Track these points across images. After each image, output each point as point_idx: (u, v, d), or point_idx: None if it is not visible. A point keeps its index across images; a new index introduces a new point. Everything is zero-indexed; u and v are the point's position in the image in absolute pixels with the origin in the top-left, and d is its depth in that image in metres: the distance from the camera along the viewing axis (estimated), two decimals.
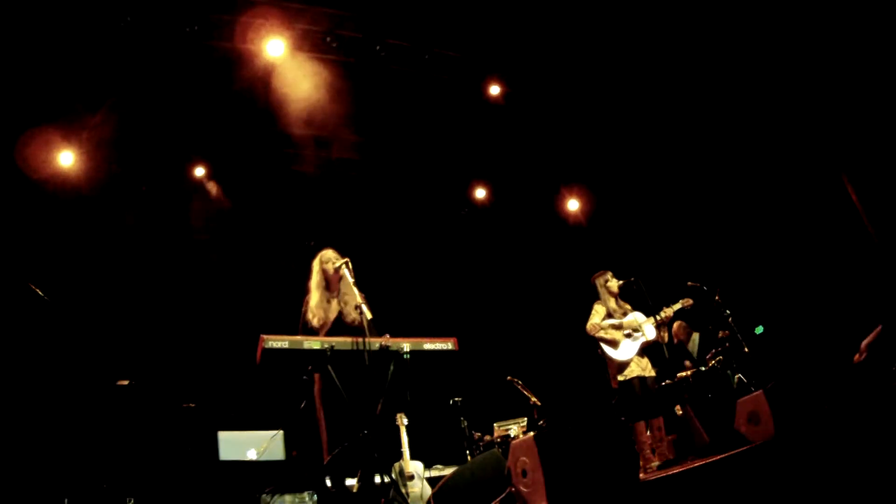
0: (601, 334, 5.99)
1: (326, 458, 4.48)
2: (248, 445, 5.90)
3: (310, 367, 4.56)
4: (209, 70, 7.01)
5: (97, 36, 6.33)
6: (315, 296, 4.85)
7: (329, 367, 4.35)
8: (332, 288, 4.87)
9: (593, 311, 6.14)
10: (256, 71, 7.11)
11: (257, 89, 7.29)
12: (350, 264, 4.80)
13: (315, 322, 4.75)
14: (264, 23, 6.72)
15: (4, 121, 6.67)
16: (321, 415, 4.59)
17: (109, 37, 6.38)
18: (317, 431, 4.62)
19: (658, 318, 5.94)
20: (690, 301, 6.16)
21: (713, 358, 6.92)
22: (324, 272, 4.90)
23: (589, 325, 6.06)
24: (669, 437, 5.95)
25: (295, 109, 7.47)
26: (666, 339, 6.03)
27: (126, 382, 5.61)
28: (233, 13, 6.61)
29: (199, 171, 8.13)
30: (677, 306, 6.12)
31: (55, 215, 7.30)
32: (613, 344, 5.97)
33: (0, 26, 5.97)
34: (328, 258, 4.93)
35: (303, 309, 4.86)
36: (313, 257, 5.02)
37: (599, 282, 6.24)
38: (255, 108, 7.52)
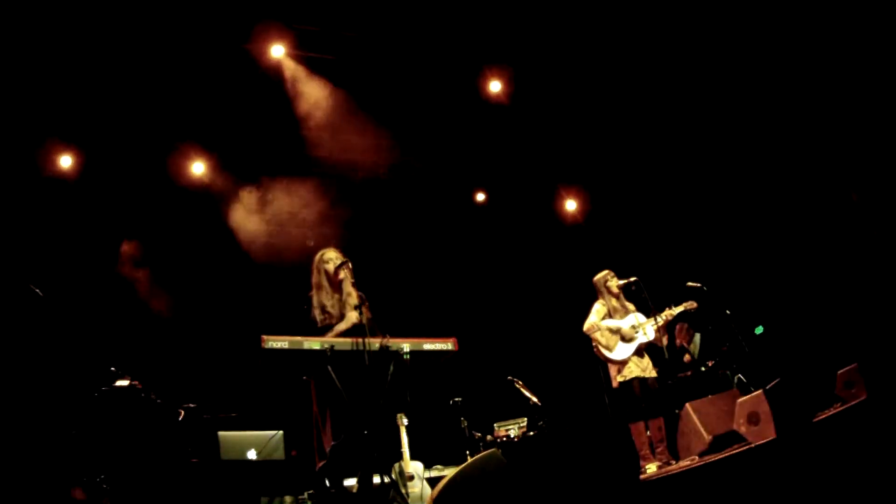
0: (597, 335, 6.00)
1: (320, 461, 4.48)
2: (248, 446, 5.89)
3: (308, 369, 4.56)
4: (211, 69, 7.03)
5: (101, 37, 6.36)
6: (317, 295, 4.86)
7: (329, 368, 4.35)
8: (333, 287, 4.87)
9: (593, 311, 6.14)
10: (255, 72, 7.16)
11: (257, 90, 7.33)
12: (350, 265, 4.81)
13: (319, 321, 4.76)
14: (263, 23, 6.75)
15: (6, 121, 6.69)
16: (318, 416, 4.59)
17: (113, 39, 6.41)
18: (317, 432, 4.62)
19: (659, 319, 5.93)
20: (695, 304, 6.14)
21: (713, 358, 6.92)
22: (325, 272, 4.90)
23: (587, 325, 6.06)
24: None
25: (292, 110, 7.52)
26: (666, 341, 6.02)
27: (126, 382, 5.60)
28: (234, 16, 6.63)
29: (199, 168, 8.12)
30: (680, 308, 6.10)
31: (56, 214, 7.31)
32: (609, 345, 5.97)
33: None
34: (329, 258, 4.93)
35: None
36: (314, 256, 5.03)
37: (600, 281, 6.24)
38: (252, 107, 7.54)
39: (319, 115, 7.59)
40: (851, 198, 6.53)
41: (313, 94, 7.46)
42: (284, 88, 7.43)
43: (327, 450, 4.42)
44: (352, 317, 4.68)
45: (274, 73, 7.34)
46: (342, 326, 4.69)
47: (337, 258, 4.92)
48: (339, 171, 8.49)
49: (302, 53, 7.25)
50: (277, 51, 7.11)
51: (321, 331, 4.69)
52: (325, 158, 8.33)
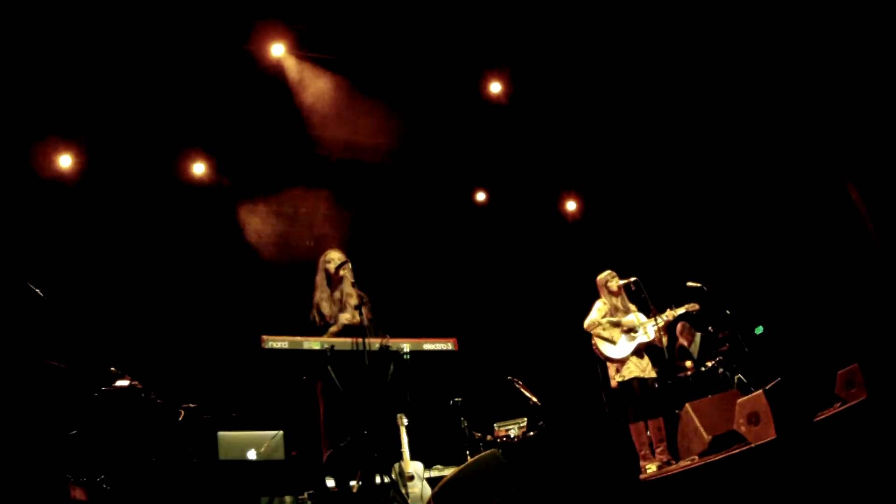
0: (598, 331, 6.00)
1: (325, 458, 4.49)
2: (248, 446, 5.89)
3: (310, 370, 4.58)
4: (212, 69, 7.03)
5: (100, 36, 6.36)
6: (318, 294, 4.89)
7: (329, 368, 4.36)
8: (334, 287, 4.90)
9: (594, 309, 6.15)
10: (256, 71, 7.16)
11: (258, 89, 7.33)
12: (350, 265, 4.82)
13: (318, 321, 4.78)
14: (264, 23, 6.75)
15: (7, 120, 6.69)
16: (323, 416, 4.61)
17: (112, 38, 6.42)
18: (318, 431, 4.64)
19: (660, 320, 5.92)
20: (697, 306, 6.14)
21: (713, 359, 6.92)
22: (326, 271, 4.93)
23: (587, 322, 6.07)
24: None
25: (294, 109, 7.51)
26: (666, 341, 6.02)
27: (126, 383, 5.59)
28: (233, 15, 6.63)
29: (199, 168, 8.11)
30: (681, 310, 6.10)
31: (54, 213, 7.31)
32: (610, 341, 5.97)
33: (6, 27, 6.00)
34: (331, 258, 4.97)
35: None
36: (319, 256, 5.07)
37: (602, 281, 6.25)
38: (254, 107, 7.55)
39: (320, 115, 7.59)
40: (851, 197, 6.54)
41: (315, 94, 7.45)
42: (287, 87, 7.42)
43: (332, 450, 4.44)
44: (342, 318, 4.70)
45: (276, 73, 7.32)
46: (333, 329, 4.71)
47: (338, 259, 4.95)
48: (340, 171, 8.50)
49: (302, 54, 7.24)
50: (277, 50, 7.08)
51: (320, 330, 4.71)
52: (327, 157, 8.34)
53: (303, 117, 7.60)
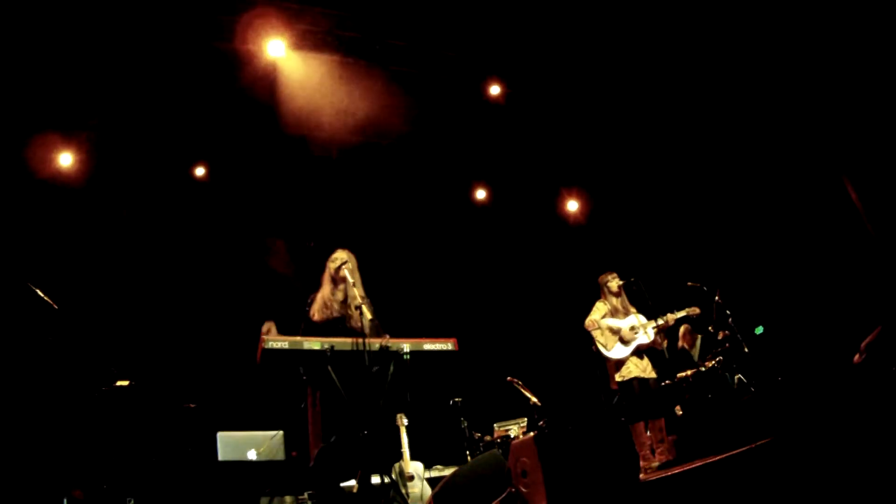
0: (596, 333, 6.03)
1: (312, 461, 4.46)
2: (247, 446, 5.89)
3: (303, 369, 4.57)
4: (210, 69, 7.02)
5: (97, 36, 6.36)
6: (320, 292, 4.90)
7: (329, 368, 4.35)
8: (336, 286, 4.90)
9: (594, 308, 6.17)
10: (257, 70, 7.14)
11: (258, 88, 7.33)
12: (350, 265, 4.82)
13: (315, 317, 4.78)
14: (264, 22, 6.74)
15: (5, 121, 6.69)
16: (311, 416, 4.59)
17: (110, 37, 6.41)
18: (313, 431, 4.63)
19: (660, 321, 5.92)
20: (697, 310, 6.14)
21: (713, 359, 6.91)
22: (329, 270, 4.94)
23: (588, 321, 6.09)
24: (670, 438, 5.95)
25: (294, 109, 7.49)
26: (665, 344, 6.02)
27: (126, 383, 5.60)
28: (233, 13, 6.61)
29: (200, 171, 8.12)
30: (682, 314, 6.10)
31: (54, 214, 7.31)
32: (606, 344, 5.99)
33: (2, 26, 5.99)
34: (335, 257, 4.97)
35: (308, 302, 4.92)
36: (327, 256, 5.08)
37: (602, 281, 6.27)
38: (254, 107, 7.54)
39: (320, 114, 7.58)
40: (850, 197, 6.53)
41: (314, 92, 7.44)
42: (287, 85, 7.41)
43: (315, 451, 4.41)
44: (352, 317, 4.69)
45: (274, 71, 7.31)
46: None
47: (340, 259, 4.95)
48: (340, 170, 8.50)
49: (303, 52, 7.22)
50: (277, 47, 7.04)
51: (317, 326, 4.70)
52: (327, 157, 8.33)
53: (303, 116, 7.59)
